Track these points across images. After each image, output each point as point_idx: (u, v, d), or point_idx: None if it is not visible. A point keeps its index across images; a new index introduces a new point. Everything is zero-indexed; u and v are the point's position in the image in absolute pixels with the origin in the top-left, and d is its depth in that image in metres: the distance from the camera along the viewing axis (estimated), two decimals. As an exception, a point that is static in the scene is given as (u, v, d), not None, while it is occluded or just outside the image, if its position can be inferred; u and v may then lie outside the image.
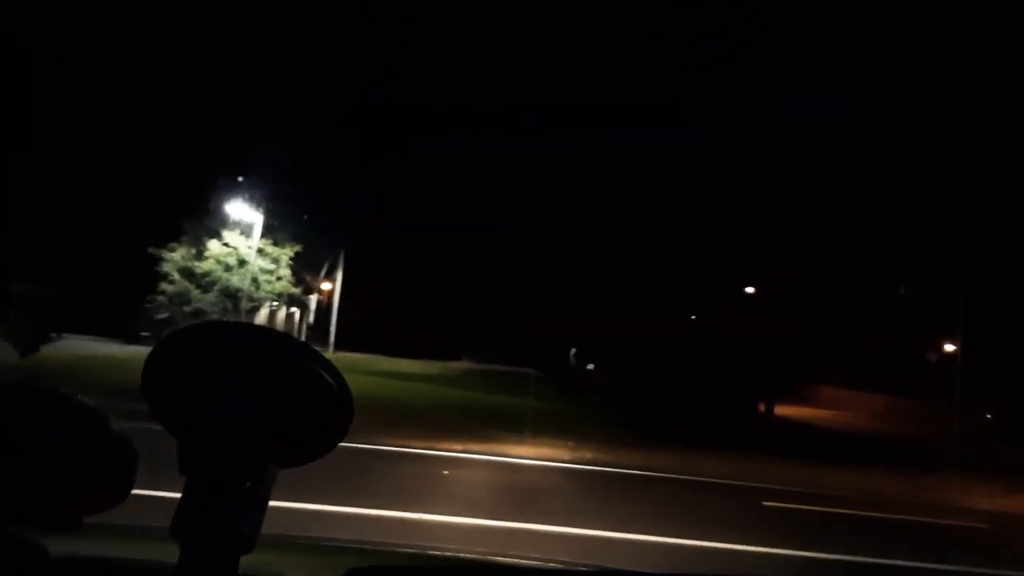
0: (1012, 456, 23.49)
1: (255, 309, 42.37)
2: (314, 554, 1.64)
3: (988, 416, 35.05)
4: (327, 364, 0.94)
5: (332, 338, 40.81)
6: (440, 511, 9.05)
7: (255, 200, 37.28)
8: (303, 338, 44.68)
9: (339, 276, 41.63)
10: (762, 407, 37.67)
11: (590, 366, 56.16)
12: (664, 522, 10.40)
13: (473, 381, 33.26)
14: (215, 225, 37.78)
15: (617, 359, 49.27)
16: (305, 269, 43.05)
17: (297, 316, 47.94)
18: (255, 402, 0.91)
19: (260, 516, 0.90)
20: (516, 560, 1.85)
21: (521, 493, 11.74)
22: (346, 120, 42.55)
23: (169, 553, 0.89)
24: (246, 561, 0.89)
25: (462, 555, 1.77)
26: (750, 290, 43.60)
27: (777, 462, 18.05)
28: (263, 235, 38.13)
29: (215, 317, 38.13)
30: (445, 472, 12.17)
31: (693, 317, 48.10)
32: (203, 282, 38.05)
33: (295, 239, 39.42)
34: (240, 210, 37.19)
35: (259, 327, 0.95)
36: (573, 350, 58.34)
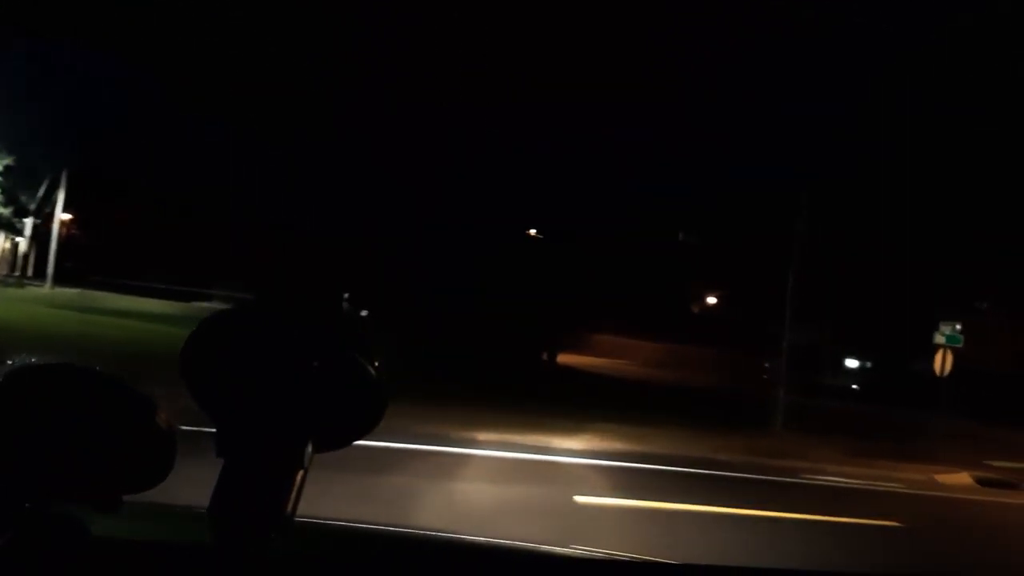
0: (805, 409, 19.77)
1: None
2: (347, 537, 1.52)
3: (767, 365, 32.56)
4: (365, 348, 0.91)
5: (50, 270, 32.50)
6: None
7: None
8: (18, 270, 35.75)
9: (61, 197, 33.19)
10: (544, 356, 33.49)
11: (364, 312, 50.89)
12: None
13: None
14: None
15: (396, 307, 43.85)
16: (20, 188, 34.34)
17: (23, 246, 38.83)
18: (293, 385, 0.87)
19: (296, 499, 0.86)
20: (524, 544, 1.54)
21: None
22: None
23: (206, 533, 0.85)
24: (280, 542, 0.85)
25: (469, 538, 1.59)
26: (533, 232, 39.41)
27: (580, 421, 13.19)
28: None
29: None
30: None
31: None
32: None
33: (6, 150, 30.89)
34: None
35: (298, 311, 0.91)
36: (346, 295, 52.69)
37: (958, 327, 15.40)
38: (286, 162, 41.66)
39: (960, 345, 15.23)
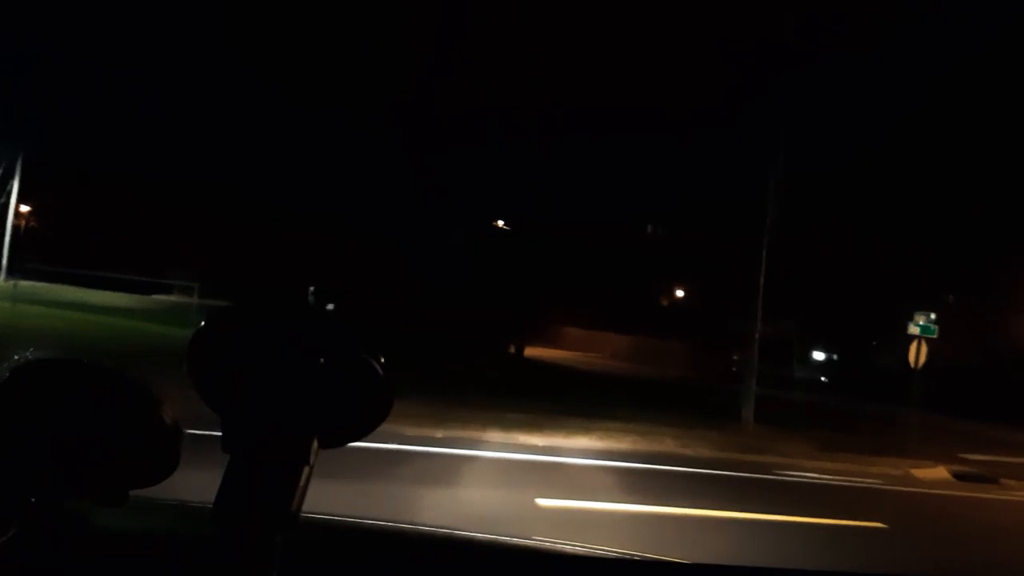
0: (775, 402, 19.14)
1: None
2: (354, 534, 1.43)
3: (735, 358, 32.07)
4: (372, 345, 0.90)
5: (4, 261, 31.24)
6: None
7: None
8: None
9: (15, 186, 31.89)
10: (512, 348, 32.72)
11: (330, 306, 49.78)
12: None
13: (173, 316, 25.39)
14: None
15: (364, 300, 42.84)
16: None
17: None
18: (300, 382, 0.86)
19: (302, 496, 0.86)
20: (530, 541, 1.49)
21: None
22: None
23: (211, 528, 0.84)
24: (286, 538, 0.84)
25: (477, 535, 1.51)
26: (500, 223, 38.69)
27: (546, 416, 12.48)
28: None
29: None
30: None
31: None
32: None
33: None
34: None
35: (306, 307, 0.93)
36: (312, 288, 51.54)
37: (932, 316, 14.89)
38: (251, 153, 40.59)
39: (935, 335, 14.71)
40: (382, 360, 0.88)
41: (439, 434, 10.13)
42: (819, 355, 41.41)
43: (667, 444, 11.68)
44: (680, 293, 52.85)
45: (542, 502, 7.31)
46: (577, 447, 10.68)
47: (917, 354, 14.51)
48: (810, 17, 14.83)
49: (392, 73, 40.67)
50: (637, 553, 1.52)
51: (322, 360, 0.86)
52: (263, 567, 0.83)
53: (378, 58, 39.16)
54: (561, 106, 35.83)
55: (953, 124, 32.50)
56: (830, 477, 10.92)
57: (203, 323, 0.89)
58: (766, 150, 15.61)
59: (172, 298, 34.61)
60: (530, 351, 34.12)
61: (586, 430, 11.82)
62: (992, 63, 31.36)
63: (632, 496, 7.94)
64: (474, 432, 10.63)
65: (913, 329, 14.82)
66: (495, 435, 10.67)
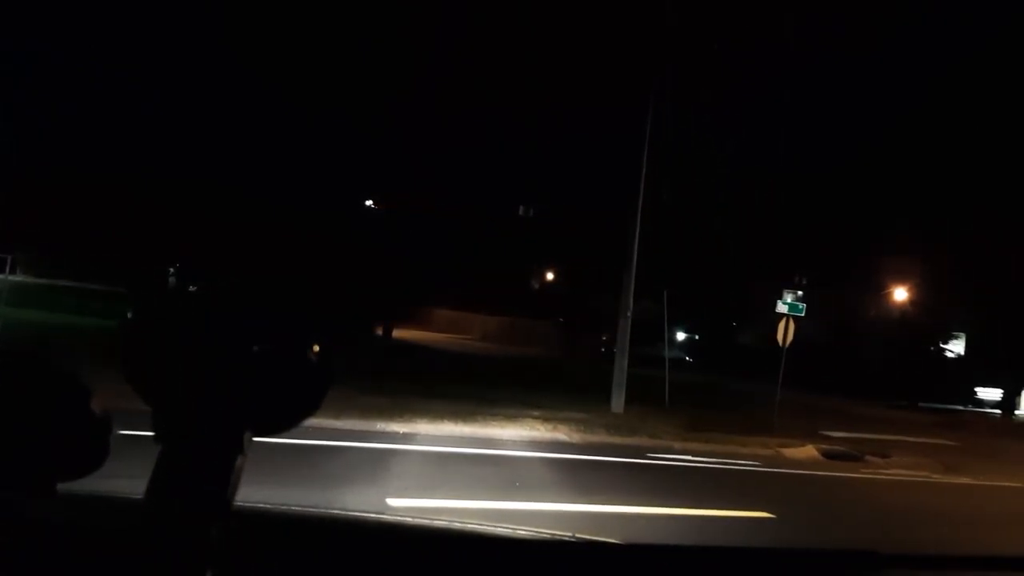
0: (643, 381, 18.59)
1: None
2: (289, 523, 1.41)
3: (604, 338, 31.79)
4: (308, 332, 0.87)
5: None
6: None
7: None
8: None
9: None
10: (379, 330, 31.32)
11: (192, 287, 46.83)
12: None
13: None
14: None
15: (228, 281, 40.12)
16: None
17: None
18: (233, 369, 0.83)
19: (235, 485, 0.83)
20: (475, 525, 1.53)
21: None
22: None
23: (144, 520, 0.81)
24: (219, 528, 0.81)
25: (415, 521, 1.55)
26: (369, 203, 37.14)
27: (407, 399, 11.34)
28: None
29: None
30: None
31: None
32: None
33: None
34: None
35: (238, 294, 0.88)
36: (173, 268, 48.42)
37: (800, 294, 14.63)
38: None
39: (802, 314, 14.43)
40: (316, 348, 0.84)
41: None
42: (680, 334, 41.87)
43: (536, 428, 10.80)
44: (550, 275, 52.62)
45: (394, 502, 6.21)
46: (440, 434, 9.64)
47: (785, 332, 14.18)
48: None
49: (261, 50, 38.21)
50: (576, 536, 1.46)
51: (256, 348, 0.82)
52: (196, 559, 0.80)
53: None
54: (436, 86, 34.63)
55: (814, 118, 33.12)
56: (704, 460, 10.27)
57: (132, 312, 0.86)
58: (635, 138, 15.05)
59: (18, 279, 31.23)
60: (399, 333, 32.84)
61: (452, 415, 10.79)
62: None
63: (495, 491, 6.94)
64: (327, 419, 9.40)
65: (781, 307, 14.49)
66: (351, 422, 9.50)
